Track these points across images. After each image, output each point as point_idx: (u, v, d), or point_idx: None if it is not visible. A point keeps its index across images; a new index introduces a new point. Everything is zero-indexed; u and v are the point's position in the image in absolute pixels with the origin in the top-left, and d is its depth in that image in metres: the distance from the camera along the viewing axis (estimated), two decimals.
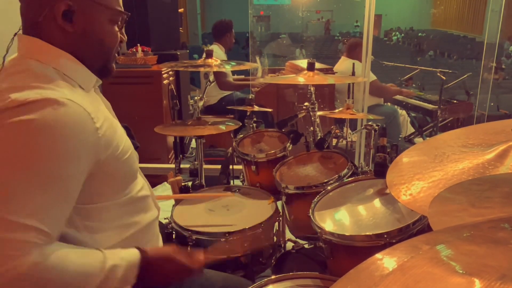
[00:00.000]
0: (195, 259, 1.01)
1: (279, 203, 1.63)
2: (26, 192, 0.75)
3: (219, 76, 3.72)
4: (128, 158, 0.98)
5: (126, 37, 1.02)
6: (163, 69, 3.19)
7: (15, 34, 0.93)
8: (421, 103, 4.21)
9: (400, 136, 4.21)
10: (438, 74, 3.90)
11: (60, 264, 0.77)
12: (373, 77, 3.68)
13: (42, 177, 0.77)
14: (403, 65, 4.84)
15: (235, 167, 2.16)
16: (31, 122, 0.77)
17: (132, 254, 0.91)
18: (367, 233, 1.03)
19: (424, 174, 0.79)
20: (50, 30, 0.89)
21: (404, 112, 4.45)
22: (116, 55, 1.03)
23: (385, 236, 1.00)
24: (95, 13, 0.91)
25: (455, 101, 4.25)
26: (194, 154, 3.50)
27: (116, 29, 0.97)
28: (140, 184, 1.07)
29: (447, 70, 3.98)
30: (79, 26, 0.90)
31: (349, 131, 1.92)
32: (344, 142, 3.36)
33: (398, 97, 4.33)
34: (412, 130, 4.52)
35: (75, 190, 0.84)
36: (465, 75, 4.49)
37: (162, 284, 0.96)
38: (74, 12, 0.88)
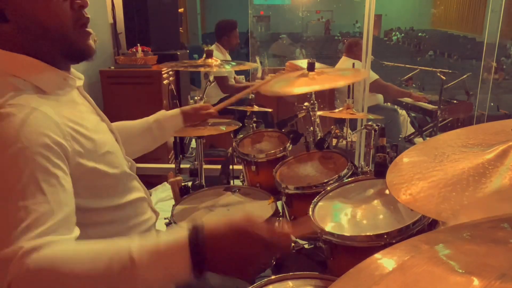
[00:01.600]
0: (278, 231, 0.76)
1: (279, 203, 1.63)
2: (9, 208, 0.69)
3: (221, 81, 3.72)
4: (106, 164, 0.92)
5: (83, 1, 0.86)
6: (163, 69, 3.20)
7: None
8: (421, 103, 4.21)
9: (400, 136, 4.21)
10: (438, 74, 3.90)
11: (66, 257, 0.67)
12: (374, 76, 3.68)
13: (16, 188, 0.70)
14: (403, 65, 4.84)
15: (235, 167, 2.16)
16: None
17: (175, 237, 0.70)
18: (367, 234, 1.03)
19: (424, 174, 0.79)
20: None
21: (404, 112, 4.45)
22: (89, 30, 0.90)
23: (385, 236, 1.00)
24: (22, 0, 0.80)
25: (455, 101, 4.25)
26: (194, 154, 3.50)
27: (59, 1, 0.83)
28: (132, 189, 1.05)
29: (447, 70, 3.99)
30: (17, 21, 0.81)
31: (349, 131, 1.92)
32: (344, 142, 3.36)
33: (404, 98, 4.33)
34: (412, 130, 4.52)
35: (60, 185, 0.75)
36: (465, 75, 4.50)
37: (236, 270, 0.72)
38: (3, 9, 0.80)
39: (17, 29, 0.81)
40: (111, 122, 1.08)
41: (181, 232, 0.70)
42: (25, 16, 0.82)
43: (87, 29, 0.90)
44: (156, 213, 1.17)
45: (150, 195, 2.75)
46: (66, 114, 0.86)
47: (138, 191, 1.07)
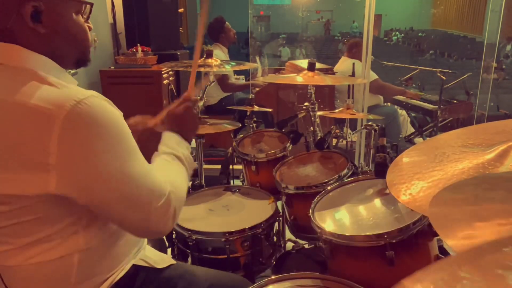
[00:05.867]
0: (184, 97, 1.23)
1: (279, 203, 1.63)
2: (138, 164, 0.89)
3: (221, 80, 3.72)
4: None
5: (91, 25, 1.01)
6: (163, 69, 3.19)
7: None
8: (421, 103, 4.21)
9: (400, 136, 4.21)
10: (438, 74, 3.89)
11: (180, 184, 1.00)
12: (374, 76, 3.68)
13: (133, 149, 0.90)
14: (403, 65, 4.84)
15: (235, 167, 2.16)
16: (96, 117, 0.82)
17: (167, 137, 1.13)
18: (367, 233, 1.03)
19: (424, 174, 0.79)
20: (22, 35, 0.86)
21: (404, 112, 4.45)
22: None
23: (385, 236, 1.00)
24: (61, 8, 0.89)
25: (455, 101, 4.24)
26: (194, 154, 3.49)
27: (82, 19, 0.96)
28: None
29: (447, 70, 3.98)
30: (50, 25, 0.88)
31: (349, 131, 1.92)
32: (344, 142, 3.36)
33: (399, 97, 4.33)
34: (412, 130, 4.51)
35: None
36: (465, 75, 4.49)
37: (190, 126, 1.21)
38: (42, 12, 0.85)
39: (50, 32, 0.88)
40: None
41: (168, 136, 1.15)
42: (62, 23, 0.90)
43: None
44: None
45: None
46: None
47: None
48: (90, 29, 0.99)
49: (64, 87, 0.84)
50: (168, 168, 1.04)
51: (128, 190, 0.86)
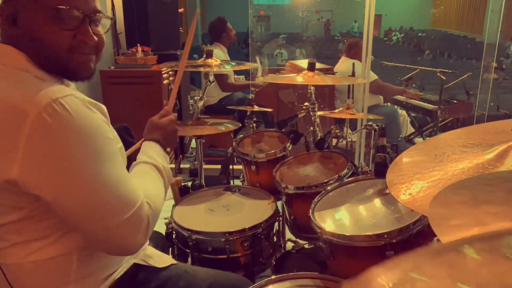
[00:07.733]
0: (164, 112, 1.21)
1: (279, 203, 1.63)
2: (110, 171, 0.85)
3: (221, 79, 3.72)
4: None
5: (93, 39, 0.92)
6: (163, 69, 3.19)
7: None
8: (421, 103, 4.21)
9: (400, 136, 4.21)
10: (438, 74, 3.89)
11: (156, 201, 0.96)
12: (374, 76, 3.68)
13: (109, 155, 0.86)
14: (403, 65, 4.83)
15: (235, 167, 2.16)
16: (71, 118, 0.80)
17: (147, 146, 1.11)
18: (367, 233, 1.03)
19: (424, 174, 0.79)
20: (9, 36, 0.88)
21: (404, 112, 4.45)
22: (94, 57, 0.95)
23: (385, 236, 1.00)
24: (33, 13, 0.86)
25: (455, 101, 4.24)
26: (194, 154, 3.50)
27: (64, 28, 0.88)
28: None
29: (447, 70, 3.98)
30: (23, 29, 0.86)
31: (349, 131, 1.92)
32: (344, 142, 3.36)
33: (399, 97, 4.33)
34: (412, 130, 4.51)
35: None
36: (465, 75, 4.49)
37: (171, 139, 1.18)
38: (17, 14, 0.86)
39: (24, 35, 0.87)
40: (111, 122, 1.09)
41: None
42: (32, 28, 0.87)
43: (86, 55, 0.93)
44: None
45: None
46: None
47: None
48: (82, 40, 0.90)
49: (45, 86, 0.82)
50: (146, 178, 1.01)
51: (93, 197, 0.82)
